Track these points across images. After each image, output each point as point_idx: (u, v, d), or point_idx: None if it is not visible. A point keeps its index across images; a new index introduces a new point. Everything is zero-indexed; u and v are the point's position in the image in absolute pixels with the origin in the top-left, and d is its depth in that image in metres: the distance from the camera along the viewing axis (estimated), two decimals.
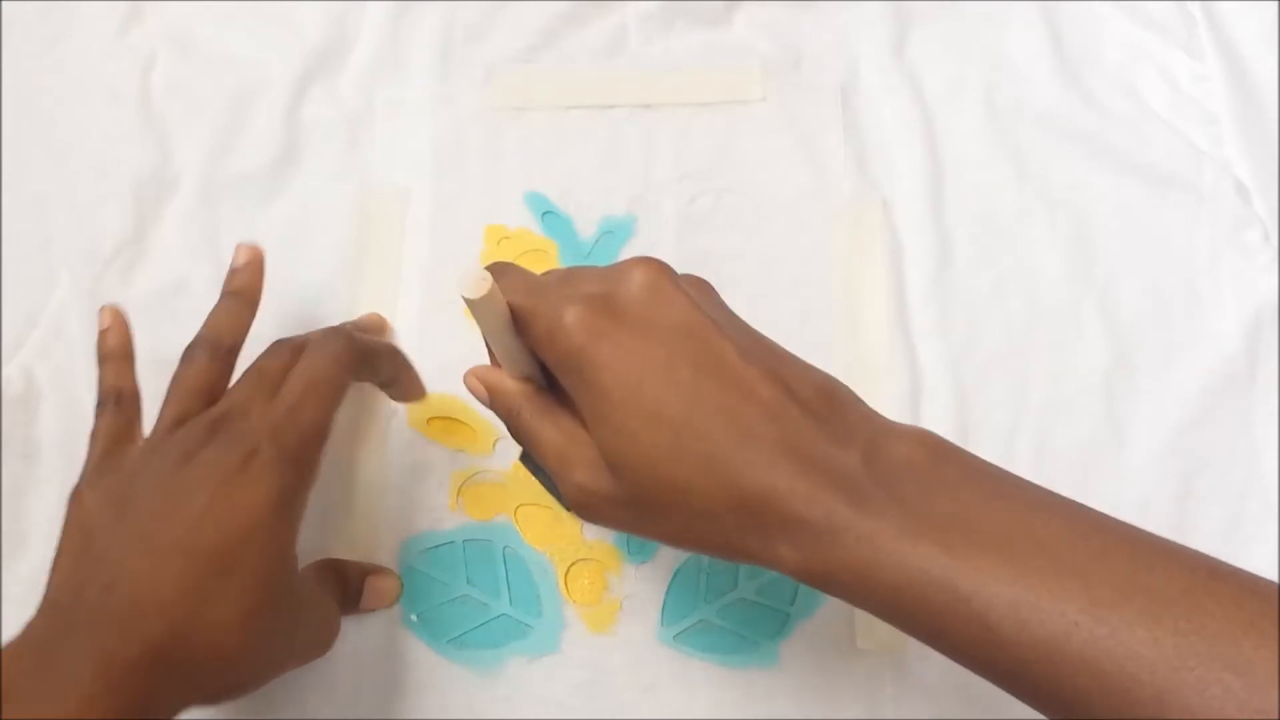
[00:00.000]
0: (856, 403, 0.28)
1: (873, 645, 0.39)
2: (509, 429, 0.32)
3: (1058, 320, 0.45)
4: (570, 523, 0.41)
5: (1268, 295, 0.45)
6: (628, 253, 0.46)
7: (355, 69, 0.49)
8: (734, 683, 0.39)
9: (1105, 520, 0.25)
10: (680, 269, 0.45)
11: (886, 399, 0.43)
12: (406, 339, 0.44)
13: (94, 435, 0.36)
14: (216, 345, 0.37)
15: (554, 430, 0.30)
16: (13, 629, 0.40)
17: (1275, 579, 0.23)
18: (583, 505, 0.29)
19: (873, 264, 0.45)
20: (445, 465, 0.42)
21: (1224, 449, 0.43)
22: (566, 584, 0.41)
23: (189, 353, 0.36)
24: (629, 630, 0.40)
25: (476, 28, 0.50)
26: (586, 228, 0.46)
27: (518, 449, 0.42)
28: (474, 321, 0.30)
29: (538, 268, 0.45)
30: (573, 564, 0.41)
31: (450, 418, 0.43)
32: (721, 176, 0.47)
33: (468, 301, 0.27)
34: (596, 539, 0.41)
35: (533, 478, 0.37)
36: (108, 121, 0.48)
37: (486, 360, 0.33)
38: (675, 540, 0.28)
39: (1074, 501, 0.26)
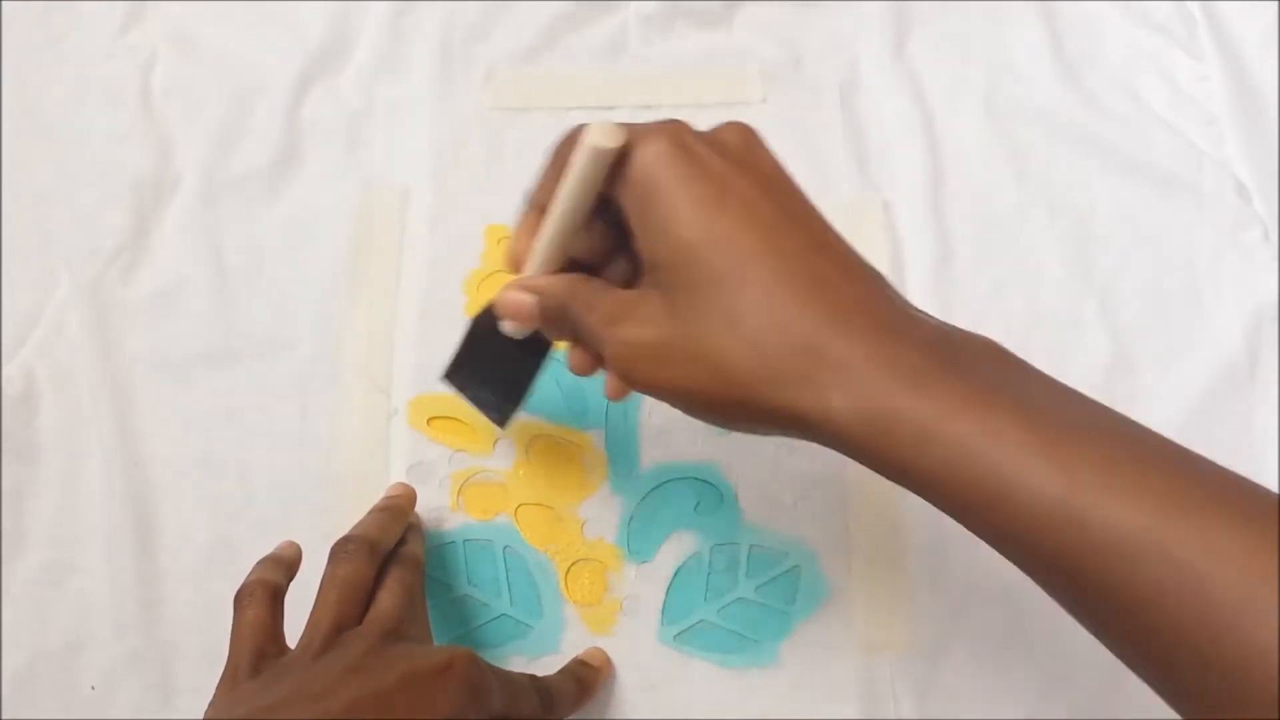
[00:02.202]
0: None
1: (873, 645, 0.39)
2: (555, 320, 0.30)
3: (1058, 320, 0.45)
4: (571, 523, 0.41)
5: (1268, 295, 0.45)
6: None
7: (356, 69, 0.49)
8: (734, 683, 0.39)
9: (1166, 439, 0.24)
10: None
11: None
12: (406, 340, 0.44)
13: (241, 628, 0.33)
14: (374, 547, 0.35)
15: (604, 295, 0.28)
16: (13, 629, 0.40)
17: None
18: (626, 362, 0.27)
19: (873, 264, 0.45)
20: (445, 465, 0.42)
21: (1224, 449, 0.42)
22: (567, 584, 0.41)
23: (344, 549, 0.34)
24: (629, 630, 0.40)
25: (477, 28, 0.50)
26: None
27: (518, 448, 0.42)
28: (539, 191, 0.29)
29: None
30: (573, 564, 0.41)
31: (450, 418, 0.43)
32: None
33: (590, 151, 0.26)
34: (597, 538, 0.41)
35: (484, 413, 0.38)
36: (108, 121, 0.48)
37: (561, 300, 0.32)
38: (721, 393, 0.26)
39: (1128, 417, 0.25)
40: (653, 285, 0.27)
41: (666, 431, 0.43)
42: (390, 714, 0.28)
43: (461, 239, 0.46)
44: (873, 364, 0.24)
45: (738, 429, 0.27)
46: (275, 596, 0.33)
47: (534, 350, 0.35)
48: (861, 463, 0.25)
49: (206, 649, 0.40)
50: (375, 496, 0.41)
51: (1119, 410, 0.24)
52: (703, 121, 0.47)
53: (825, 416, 0.24)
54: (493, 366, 0.37)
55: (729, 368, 0.25)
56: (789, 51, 0.50)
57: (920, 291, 0.45)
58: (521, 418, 0.43)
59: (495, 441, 0.43)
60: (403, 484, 0.41)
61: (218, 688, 0.31)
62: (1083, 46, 0.50)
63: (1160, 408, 0.43)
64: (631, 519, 0.41)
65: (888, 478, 0.25)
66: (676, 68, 0.49)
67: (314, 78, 0.49)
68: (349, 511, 0.41)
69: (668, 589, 0.40)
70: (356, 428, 0.43)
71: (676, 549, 0.41)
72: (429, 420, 0.43)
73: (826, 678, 0.39)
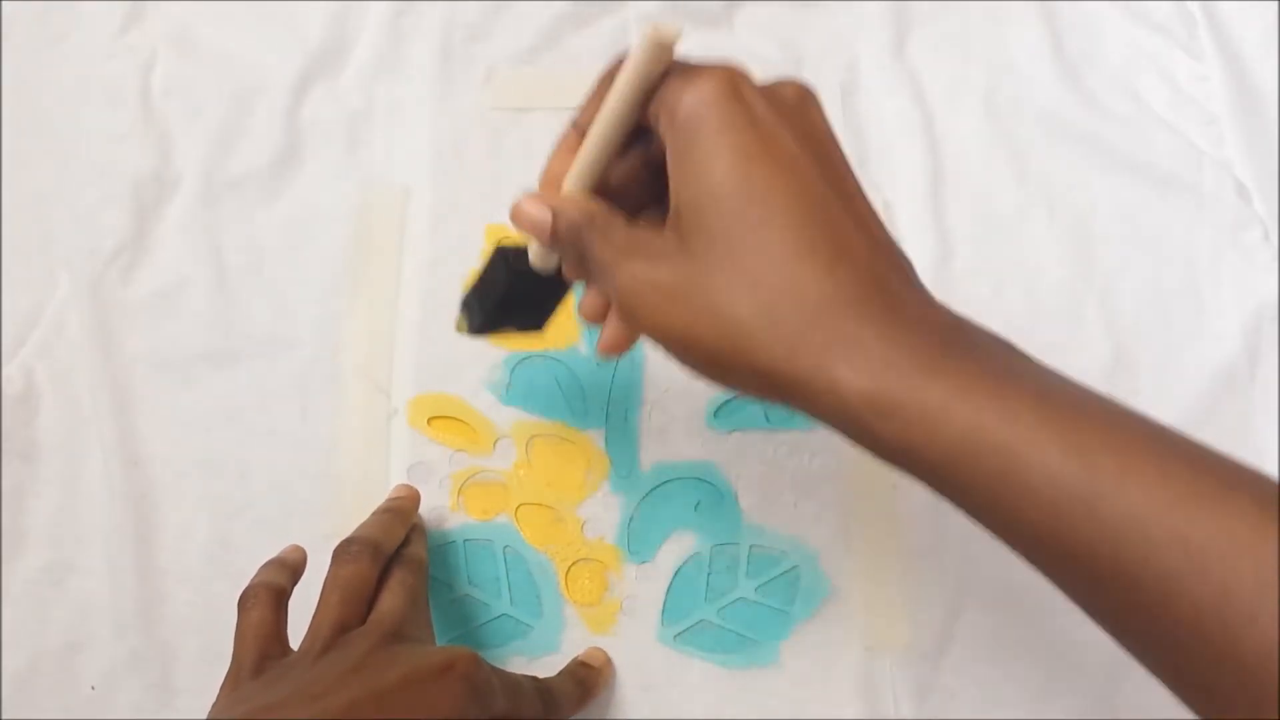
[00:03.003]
0: None
1: (873, 645, 0.39)
2: (569, 242, 0.28)
3: (1058, 320, 0.45)
4: (571, 523, 0.41)
5: (1268, 295, 0.45)
6: None
7: (355, 69, 0.49)
8: (734, 682, 0.39)
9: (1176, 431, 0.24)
10: None
11: None
12: (406, 340, 0.44)
13: (244, 630, 0.33)
14: (377, 549, 0.35)
15: (621, 228, 0.27)
16: (13, 629, 0.40)
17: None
18: (633, 296, 0.26)
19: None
20: (446, 465, 0.42)
21: (1224, 449, 0.42)
22: (567, 584, 0.41)
23: (347, 550, 0.34)
24: (629, 630, 0.40)
25: (477, 28, 0.50)
26: None
27: (519, 448, 0.42)
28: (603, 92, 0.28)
29: None
30: (573, 564, 0.41)
31: (451, 418, 0.43)
32: None
33: (653, 48, 0.25)
34: (597, 539, 0.41)
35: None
36: (108, 121, 0.48)
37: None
38: (721, 347, 0.25)
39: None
40: (675, 229, 0.26)
41: (666, 431, 0.43)
42: (390, 714, 0.28)
43: (462, 239, 0.46)
44: (885, 342, 0.23)
45: (733, 388, 0.26)
46: (279, 599, 0.33)
47: (555, 286, 0.34)
48: (859, 442, 0.24)
49: (206, 649, 0.40)
50: (375, 496, 0.41)
51: None
52: None
53: (830, 388, 0.23)
54: (511, 296, 0.34)
55: (737, 322, 0.24)
56: (789, 51, 0.50)
57: None
58: (521, 417, 0.43)
59: (495, 441, 0.43)
60: (406, 485, 0.41)
61: (221, 688, 0.31)
62: (1083, 46, 0.50)
63: (1160, 407, 0.43)
64: (631, 519, 0.41)
65: (887, 459, 0.24)
66: None
67: (314, 78, 0.49)
68: (349, 511, 0.41)
69: (668, 589, 0.40)
70: (356, 428, 0.43)
71: (677, 549, 0.41)
72: (429, 420, 0.43)
73: (826, 678, 0.39)
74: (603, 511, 0.42)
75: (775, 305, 0.24)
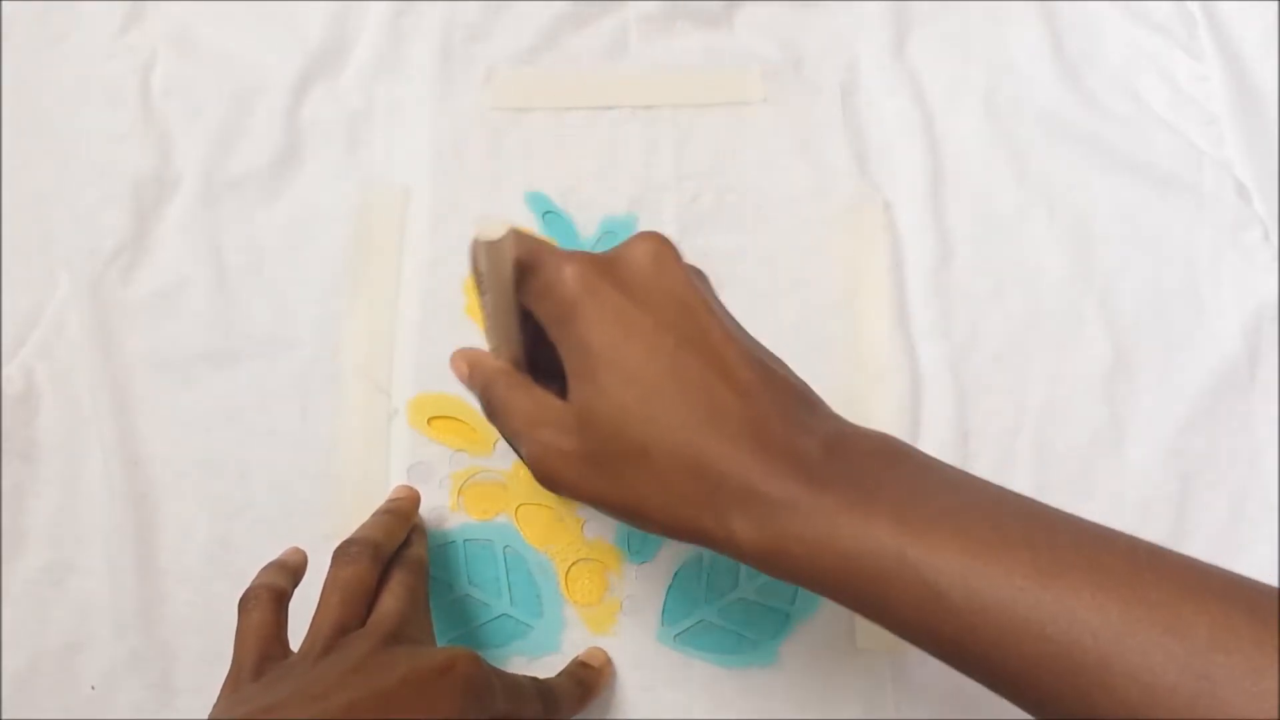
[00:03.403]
0: (826, 407, 0.29)
1: (873, 645, 0.39)
2: (483, 404, 0.32)
3: (1058, 320, 0.45)
4: (571, 523, 0.41)
5: (1268, 295, 0.45)
6: None
7: (355, 69, 0.49)
8: (734, 682, 0.39)
9: (1055, 510, 0.26)
10: None
11: (886, 399, 0.43)
12: (406, 340, 0.44)
13: (245, 632, 0.33)
14: (377, 550, 0.35)
15: (526, 398, 0.30)
16: (13, 629, 0.40)
17: (1275, 578, 0.23)
18: (543, 463, 0.29)
19: (873, 264, 0.45)
20: (446, 465, 0.42)
21: (1224, 449, 0.43)
22: (567, 584, 0.41)
23: (347, 551, 0.34)
24: (629, 630, 0.40)
25: (477, 28, 0.50)
26: (587, 227, 0.46)
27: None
28: (476, 291, 0.29)
29: None
30: (573, 564, 0.41)
31: (451, 417, 0.43)
32: (722, 176, 0.47)
33: (482, 246, 0.27)
34: (597, 539, 0.41)
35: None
36: (108, 121, 0.48)
37: (484, 393, 0.33)
38: (632, 508, 0.28)
39: (1026, 496, 0.26)
40: (571, 394, 0.28)
41: None
42: (391, 714, 0.28)
43: (462, 239, 0.46)
44: (766, 486, 0.25)
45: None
46: (280, 600, 0.34)
47: None
48: (774, 576, 0.27)
49: (206, 649, 0.40)
50: (376, 496, 0.41)
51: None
52: (704, 122, 0.48)
53: (729, 540, 0.26)
54: None
55: (638, 493, 0.27)
56: (789, 51, 0.50)
57: (920, 291, 0.45)
58: None
59: (495, 441, 0.43)
60: (407, 486, 0.41)
61: (222, 690, 0.31)
62: (1083, 46, 0.50)
63: (1160, 407, 0.43)
64: None
65: (795, 584, 0.27)
66: (676, 68, 0.49)
67: (314, 78, 0.49)
68: (349, 511, 0.41)
69: (668, 589, 0.40)
70: (356, 427, 0.43)
71: (677, 549, 0.41)
72: (429, 420, 0.43)
73: (826, 678, 0.39)
74: None
75: (666, 474, 0.27)
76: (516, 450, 0.30)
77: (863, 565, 0.25)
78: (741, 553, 0.26)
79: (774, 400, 0.27)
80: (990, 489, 0.27)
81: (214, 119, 0.48)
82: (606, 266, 0.28)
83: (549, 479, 0.29)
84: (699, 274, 0.30)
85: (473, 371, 0.32)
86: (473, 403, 0.42)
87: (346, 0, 0.50)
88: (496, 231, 0.27)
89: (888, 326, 0.44)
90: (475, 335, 0.42)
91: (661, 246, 0.28)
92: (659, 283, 0.28)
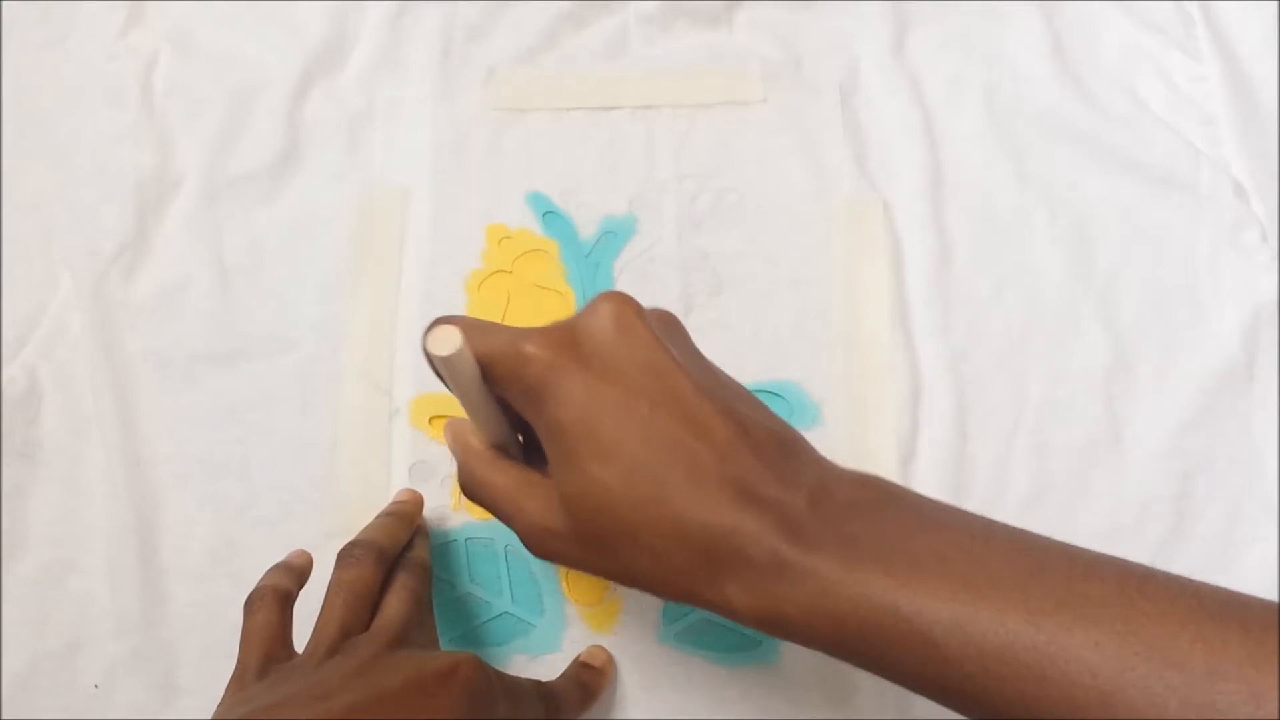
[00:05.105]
0: (808, 449, 0.29)
1: None
2: (460, 481, 0.32)
3: (1058, 320, 0.45)
4: None
5: (1266, 295, 0.45)
6: (628, 252, 0.46)
7: (356, 69, 0.49)
8: (735, 681, 0.39)
9: (1041, 539, 0.26)
10: (680, 268, 0.45)
11: (886, 399, 0.43)
12: (407, 339, 0.44)
13: (250, 633, 0.33)
14: (381, 552, 0.35)
15: (505, 478, 0.30)
16: (14, 628, 0.40)
17: (1274, 578, 0.23)
18: (535, 542, 0.29)
19: (873, 264, 0.45)
20: (447, 465, 0.42)
21: (1223, 449, 0.43)
22: (568, 583, 0.41)
23: (351, 553, 0.35)
24: (630, 629, 0.40)
25: (477, 28, 0.50)
26: (587, 227, 0.46)
27: None
28: (444, 384, 0.29)
29: (539, 267, 0.45)
30: None
31: (452, 417, 0.43)
32: (722, 176, 0.47)
33: (438, 360, 0.26)
34: None
35: None
36: (109, 122, 0.48)
37: (458, 474, 0.33)
38: (627, 580, 0.28)
39: (1014, 527, 0.26)
40: (554, 476, 0.28)
41: None
42: (392, 716, 0.28)
43: (462, 239, 0.46)
44: (753, 551, 0.25)
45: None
46: (285, 602, 0.34)
47: None
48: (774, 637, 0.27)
49: (208, 648, 0.40)
50: (377, 496, 0.41)
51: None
52: (703, 122, 0.48)
53: (725, 605, 0.26)
54: None
55: (631, 568, 0.27)
56: (789, 51, 0.50)
57: (920, 292, 0.45)
58: None
59: None
60: (410, 490, 0.41)
61: (226, 690, 0.31)
62: (1081, 46, 0.50)
63: (1159, 407, 0.43)
64: None
65: (796, 643, 0.26)
66: (676, 68, 0.49)
67: (314, 78, 0.49)
68: (351, 511, 0.41)
69: None
70: (358, 427, 0.43)
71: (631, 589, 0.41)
72: (430, 419, 0.43)
73: (827, 676, 0.39)
74: None
75: (656, 549, 0.26)
76: (508, 525, 0.30)
77: (859, 624, 0.24)
78: (738, 617, 0.26)
79: (754, 454, 0.27)
80: (976, 525, 0.26)
81: (215, 119, 0.48)
82: (568, 339, 0.27)
83: (542, 554, 0.29)
84: (666, 321, 0.30)
85: (456, 446, 0.32)
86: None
87: (347, 0, 0.50)
88: (448, 344, 0.26)
89: (887, 326, 0.44)
90: None
91: (622, 308, 0.28)
92: (624, 350, 0.27)
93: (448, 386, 0.29)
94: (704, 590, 0.26)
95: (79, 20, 0.50)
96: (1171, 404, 0.43)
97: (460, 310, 0.45)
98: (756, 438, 0.27)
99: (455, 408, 0.43)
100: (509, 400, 0.29)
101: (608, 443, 0.26)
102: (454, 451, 0.32)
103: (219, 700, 0.31)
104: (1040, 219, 0.47)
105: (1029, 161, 0.48)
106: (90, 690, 0.39)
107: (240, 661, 0.32)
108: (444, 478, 0.42)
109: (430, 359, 0.27)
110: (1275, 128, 0.48)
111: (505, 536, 0.41)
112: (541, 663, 0.39)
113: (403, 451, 0.43)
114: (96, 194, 0.46)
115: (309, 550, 0.37)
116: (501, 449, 0.31)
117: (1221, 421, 0.43)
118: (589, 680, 0.38)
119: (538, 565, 0.41)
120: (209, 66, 0.49)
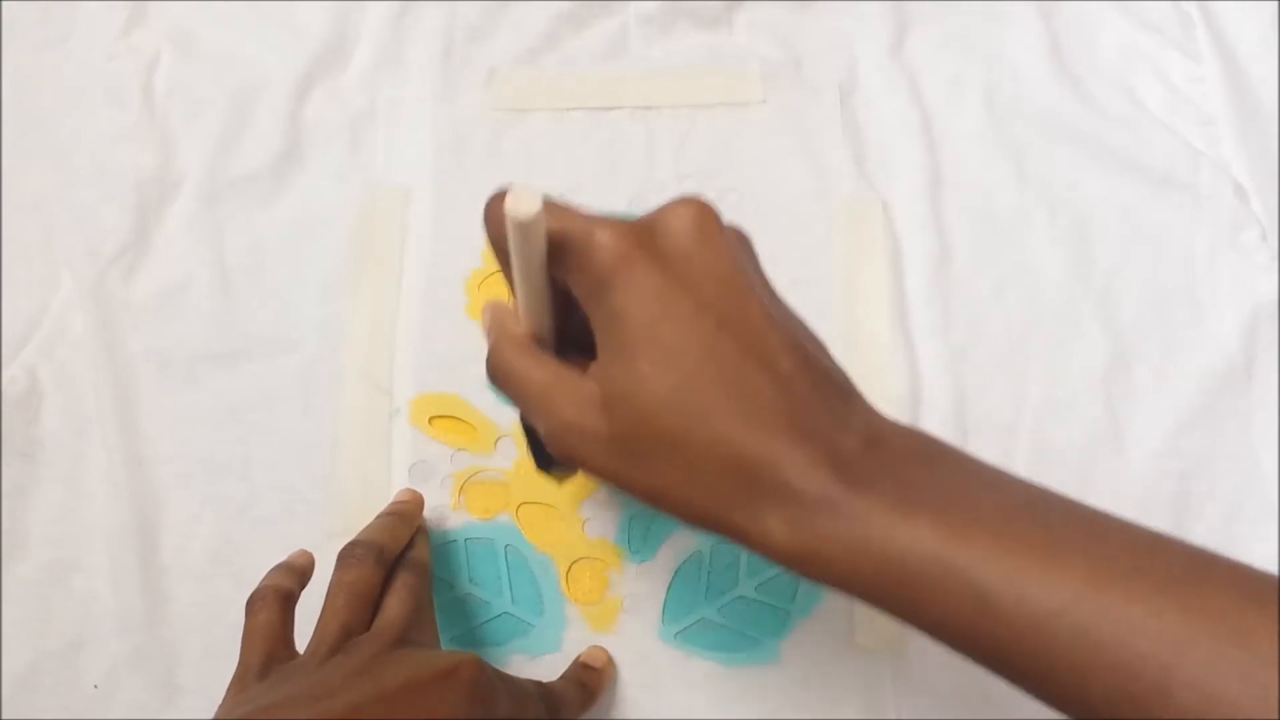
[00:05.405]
0: (861, 397, 0.28)
1: (873, 643, 0.40)
2: (488, 366, 0.30)
3: (1058, 320, 0.45)
4: (572, 521, 0.42)
5: (1266, 295, 0.45)
6: None
7: (357, 70, 0.49)
8: (735, 680, 0.39)
9: (1104, 512, 0.25)
10: None
11: (886, 399, 0.43)
12: (407, 339, 0.44)
13: (251, 632, 0.33)
14: (382, 552, 0.35)
15: (542, 370, 0.28)
16: (15, 628, 0.40)
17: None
18: (564, 442, 0.27)
19: (873, 264, 0.45)
20: (447, 464, 0.42)
21: (1222, 449, 0.43)
22: (568, 582, 0.41)
23: (352, 553, 0.34)
24: (630, 629, 0.40)
25: (478, 29, 0.50)
26: None
27: (519, 449, 0.42)
28: (501, 261, 0.28)
29: None
30: (574, 562, 0.41)
31: (452, 417, 0.43)
32: (722, 177, 0.47)
33: (515, 223, 0.25)
34: (598, 537, 0.41)
35: (532, 458, 0.36)
36: (110, 122, 0.48)
37: (488, 358, 0.32)
38: (651, 495, 0.26)
39: (1068, 496, 0.26)
40: (600, 372, 0.27)
41: None
42: (393, 716, 0.28)
43: (462, 239, 0.46)
44: (802, 484, 0.24)
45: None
46: (287, 602, 0.34)
47: None
48: (807, 578, 0.25)
49: (209, 648, 0.40)
50: (378, 495, 0.41)
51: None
52: (703, 122, 0.48)
53: (764, 539, 0.25)
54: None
55: (664, 482, 0.26)
56: (789, 51, 0.50)
57: (920, 292, 0.45)
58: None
59: (496, 440, 0.43)
60: (410, 490, 0.41)
61: (228, 690, 0.31)
62: (1080, 47, 0.50)
63: (1158, 407, 0.43)
64: (632, 518, 0.41)
65: (828, 586, 0.25)
66: (677, 68, 0.50)
67: (315, 78, 0.49)
68: (351, 510, 0.41)
69: (668, 587, 0.41)
70: (358, 427, 0.43)
71: (677, 547, 0.41)
72: (430, 419, 0.43)
73: (826, 677, 0.39)
74: (603, 510, 0.42)
75: (697, 466, 0.25)
76: (537, 423, 0.28)
77: (904, 570, 0.23)
78: (774, 551, 0.25)
79: (813, 391, 0.26)
80: (1034, 490, 0.25)
81: (216, 119, 0.48)
82: (645, 235, 0.26)
83: (569, 456, 0.27)
84: (742, 241, 0.29)
85: (494, 328, 0.30)
86: (475, 401, 0.43)
87: (348, 1, 0.50)
88: (529, 206, 0.25)
89: (887, 326, 0.44)
90: (476, 335, 0.42)
91: (705, 215, 0.26)
92: (700, 257, 0.26)
93: (504, 264, 0.28)
94: (739, 518, 0.25)
95: (80, 20, 0.50)
96: (1171, 404, 0.43)
97: (460, 310, 0.45)
98: (816, 375, 0.26)
99: (455, 407, 0.43)
100: (571, 284, 0.27)
101: (667, 348, 0.25)
102: (488, 334, 0.30)
103: (220, 700, 0.31)
104: (1040, 219, 0.47)
105: (1029, 161, 0.48)
106: (91, 690, 0.40)
107: (242, 661, 0.32)
108: (444, 478, 0.42)
109: (503, 223, 0.26)
110: (1275, 128, 0.48)
111: (505, 536, 0.41)
112: (541, 663, 0.40)
113: (403, 451, 0.43)
114: (97, 194, 0.46)
115: (310, 550, 0.37)
116: (540, 342, 0.30)
117: (1221, 421, 0.43)
118: (589, 681, 0.38)
119: (537, 565, 0.41)
120: (210, 66, 0.49)
